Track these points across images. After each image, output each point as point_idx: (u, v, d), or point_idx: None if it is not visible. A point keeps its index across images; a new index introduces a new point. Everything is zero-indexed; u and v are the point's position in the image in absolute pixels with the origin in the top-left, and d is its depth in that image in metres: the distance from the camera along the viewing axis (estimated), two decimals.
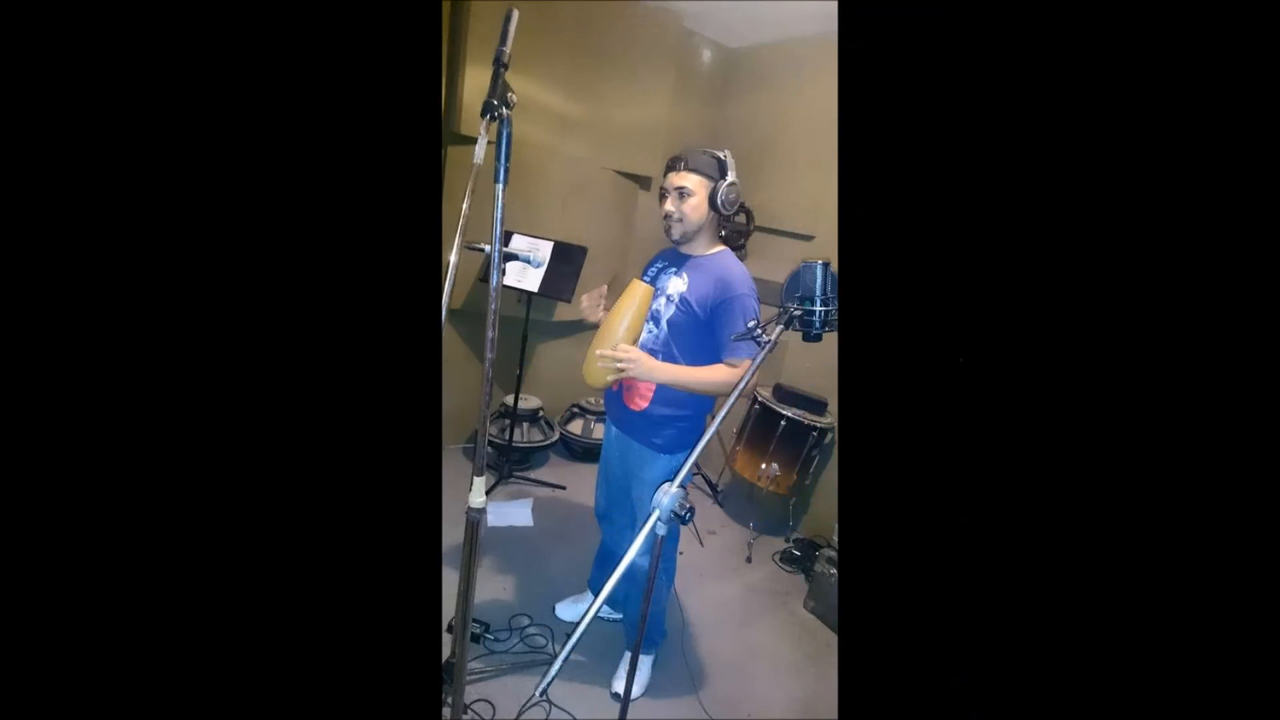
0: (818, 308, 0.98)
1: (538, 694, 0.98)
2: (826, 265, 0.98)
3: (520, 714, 1.49)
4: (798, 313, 0.99)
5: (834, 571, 2.07)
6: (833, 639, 2.02)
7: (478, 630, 1.48)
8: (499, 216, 0.86)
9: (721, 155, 1.36)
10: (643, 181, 2.95)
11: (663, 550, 0.98)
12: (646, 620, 1.07)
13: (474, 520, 0.95)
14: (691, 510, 0.94)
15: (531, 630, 1.80)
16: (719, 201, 1.34)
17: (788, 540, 2.53)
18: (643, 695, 1.65)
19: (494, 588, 1.97)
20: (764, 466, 2.40)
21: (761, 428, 2.46)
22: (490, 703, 1.51)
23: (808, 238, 2.66)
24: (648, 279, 1.45)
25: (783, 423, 2.36)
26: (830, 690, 1.79)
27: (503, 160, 0.83)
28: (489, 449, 1.88)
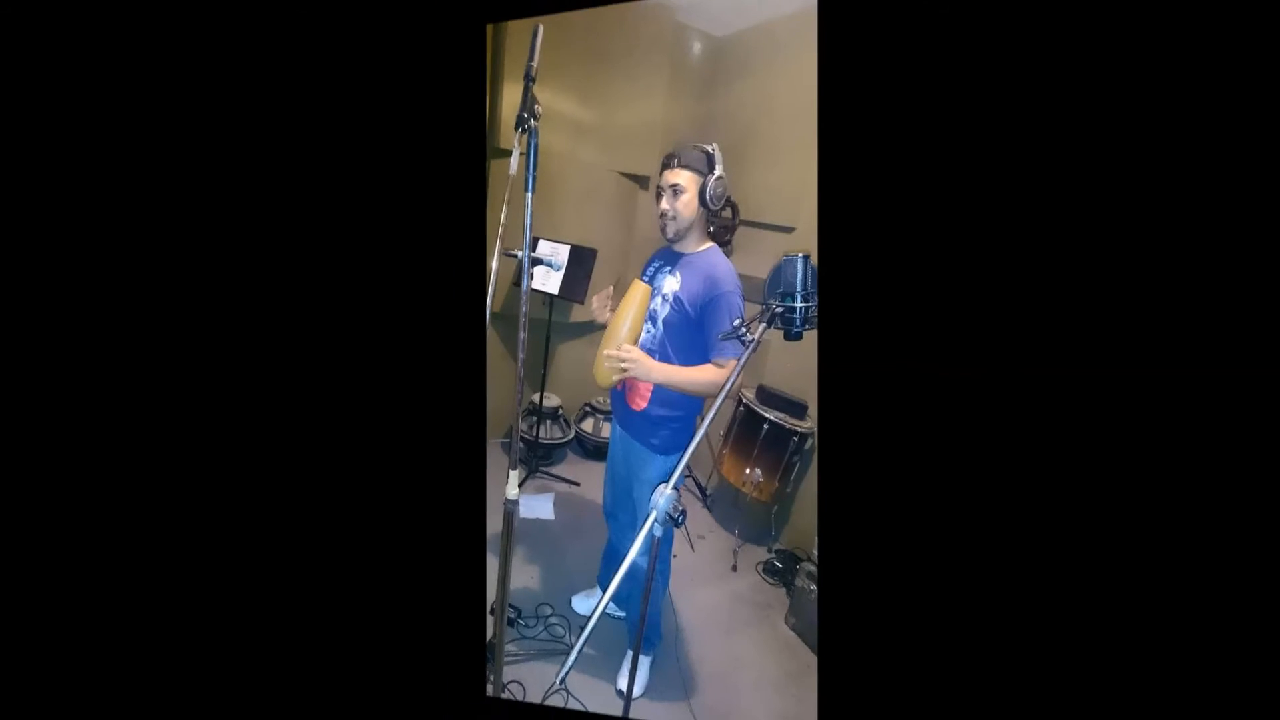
0: (798, 304, 0.94)
1: (558, 682, 0.98)
2: (806, 258, 0.94)
3: (544, 699, 1.54)
4: (779, 309, 0.96)
5: (814, 588, 1.97)
6: (812, 660, 1.90)
7: (512, 615, 1.47)
8: (529, 223, 0.89)
9: (710, 149, 1.34)
10: (642, 181, 2.94)
11: (659, 552, 0.96)
12: (645, 620, 1.05)
13: (510, 511, 1.01)
14: (684, 513, 0.92)
15: (553, 620, 1.84)
16: (707, 196, 1.32)
17: (770, 550, 2.43)
18: (642, 695, 1.65)
19: (523, 577, 2.01)
20: (748, 471, 2.32)
21: (746, 431, 2.38)
22: (521, 684, 1.55)
23: (789, 229, 2.52)
24: (646, 279, 1.45)
25: (765, 426, 2.28)
26: (810, 713, 1.70)
27: (531, 170, 0.86)
28: (521, 444, 1.90)
